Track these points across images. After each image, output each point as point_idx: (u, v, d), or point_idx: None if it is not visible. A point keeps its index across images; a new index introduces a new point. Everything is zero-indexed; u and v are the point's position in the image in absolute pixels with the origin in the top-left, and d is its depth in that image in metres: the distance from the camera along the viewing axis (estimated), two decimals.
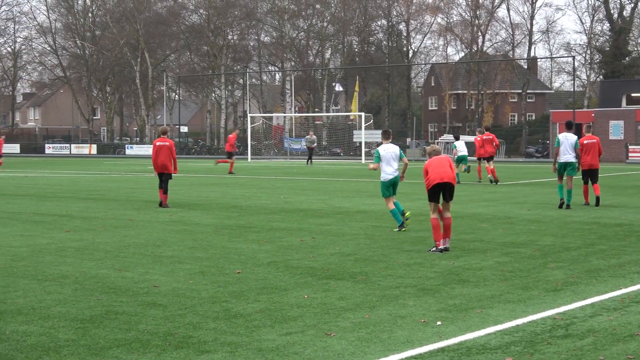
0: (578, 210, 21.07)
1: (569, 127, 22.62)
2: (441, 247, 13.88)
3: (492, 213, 20.35)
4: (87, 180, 35.94)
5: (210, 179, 36.88)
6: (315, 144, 57.54)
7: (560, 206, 21.55)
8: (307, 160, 54.09)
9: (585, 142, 22.44)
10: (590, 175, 22.48)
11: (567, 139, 21.88)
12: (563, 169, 21.78)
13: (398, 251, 14.06)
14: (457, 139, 35.68)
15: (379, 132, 49.04)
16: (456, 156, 33.74)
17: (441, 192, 13.97)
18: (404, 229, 16.75)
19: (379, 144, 17.44)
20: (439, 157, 14.30)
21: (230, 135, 46.24)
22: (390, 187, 16.94)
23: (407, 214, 17.15)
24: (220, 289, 10.82)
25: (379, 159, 16.98)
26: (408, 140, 78.94)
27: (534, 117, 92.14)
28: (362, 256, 13.53)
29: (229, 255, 13.73)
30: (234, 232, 16.75)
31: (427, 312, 9.50)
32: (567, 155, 21.79)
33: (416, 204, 22.91)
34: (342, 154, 74.48)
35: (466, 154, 34.81)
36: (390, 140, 17.24)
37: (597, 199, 22.26)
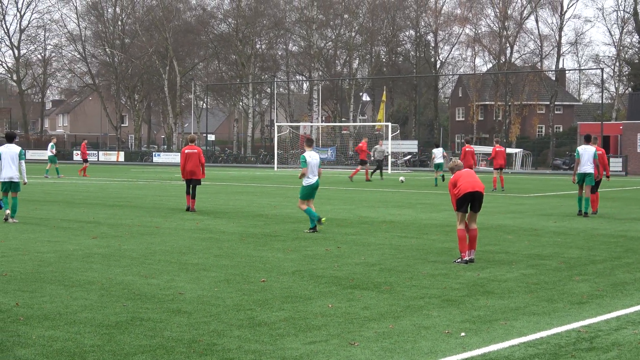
0: (605, 223, 20.97)
1: (588, 140, 23.50)
2: (466, 258, 13.86)
3: (518, 225, 20.29)
4: (115, 188, 36.15)
5: (236, 187, 36.98)
6: (386, 155, 49.94)
7: (579, 214, 22.85)
8: (378, 174, 45.95)
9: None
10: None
11: (586, 151, 22.97)
12: (582, 179, 22.85)
13: (423, 262, 14.05)
14: (436, 146, 39.75)
15: (406, 142, 48.70)
16: (434, 162, 38.41)
17: (470, 202, 13.93)
18: (316, 231, 18.14)
19: (303, 151, 18.70)
20: (467, 169, 14.32)
21: (360, 144, 42.13)
22: (311, 192, 18.60)
23: (323, 219, 18.51)
24: (245, 297, 10.86)
25: (305, 164, 18.41)
26: (434, 150, 78.80)
27: (561, 129, 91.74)
28: (387, 266, 13.54)
29: (254, 263, 13.78)
30: (260, 241, 16.80)
31: (451, 323, 9.50)
32: (586, 166, 22.86)
33: (442, 215, 22.90)
34: (368, 164, 74.37)
35: (442, 161, 39.19)
36: (313, 148, 18.81)
37: (585, 213, 23.01)
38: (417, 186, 38.44)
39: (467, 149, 34.55)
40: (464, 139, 37.24)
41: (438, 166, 39.35)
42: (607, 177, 25.32)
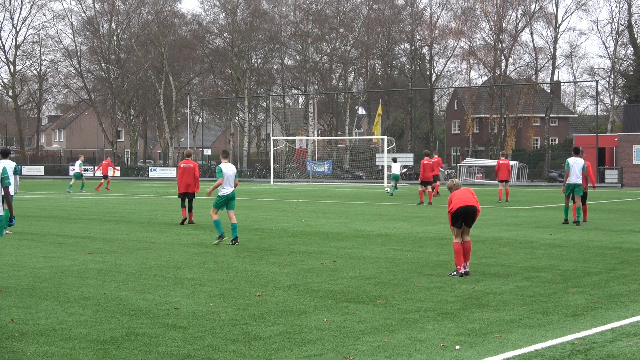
0: (600, 234, 21.01)
1: (577, 152, 24.72)
2: (462, 271, 13.88)
3: (513, 237, 20.31)
4: (110, 203, 36.14)
5: None
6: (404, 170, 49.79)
7: (565, 222, 24.19)
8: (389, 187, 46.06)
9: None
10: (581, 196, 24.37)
11: (576, 162, 24.14)
12: (572, 190, 24.02)
13: (418, 275, 14.06)
14: (394, 160, 44.45)
15: (400, 155, 48.82)
16: (391, 174, 43.27)
17: (464, 217, 13.96)
18: (221, 242, 18.79)
19: (218, 162, 19.44)
20: (463, 189, 14.39)
21: (435, 160, 38.83)
22: (226, 202, 18.93)
23: (224, 239, 18.99)
24: (240, 312, 10.87)
25: (221, 174, 18.84)
26: None
27: (557, 141, 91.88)
28: (382, 280, 13.55)
29: (249, 277, 13.78)
30: (255, 255, 16.80)
31: (446, 336, 9.51)
32: (575, 177, 24.06)
33: (437, 228, 22.92)
34: (364, 177, 74.49)
35: (398, 173, 44.84)
36: (229, 160, 19.45)
37: (577, 222, 24.08)
38: (412, 199, 38.45)
39: (425, 162, 35.31)
40: (424, 151, 38.01)
41: (395, 177, 44.58)
42: (593, 188, 26.21)
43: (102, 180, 50.97)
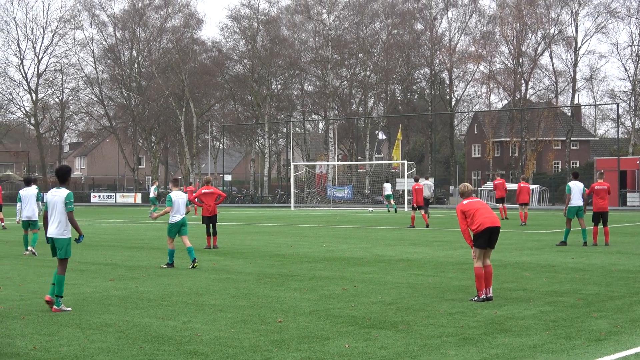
0: (623, 258, 20.87)
1: (576, 176, 26.08)
2: (483, 296, 13.80)
3: (535, 261, 20.22)
4: (132, 229, 36.25)
5: (253, 227, 37.03)
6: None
7: (562, 244, 25.04)
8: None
9: (596, 187, 25.30)
10: (602, 217, 24.98)
11: (576, 186, 25.29)
12: (575, 212, 25.02)
13: (440, 300, 14.01)
14: (387, 181, 53.90)
15: (429, 182, 48.65)
16: (384, 194, 52.89)
17: (489, 237, 13.86)
18: (172, 266, 19.45)
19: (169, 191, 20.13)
20: (480, 201, 14.27)
21: (497, 182, 42.18)
22: (177, 229, 19.71)
23: (196, 264, 19.44)
24: (262, 338, 10.86)
25: (170, 202, 19.63)
26: (451, 188, 78.79)
27: (578, 165, 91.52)
28: (404, 305, 13.51)
29: (270, 303, 13.77)
30: (276, 281, 16.80)
31: None
32: (577, 200, 25.13)
33: (459, 252, 22.85)
34: (384, 202, 74.33)
35: (391, 193, 53.30)
36: (179, 188, 20.28)
37: (606, 243, 24.94)
38: (433, 224, 38.37)
39: (416, 187, 36.53)
40: (414, 176, 39.47)
41: (388, 197, 53.11)
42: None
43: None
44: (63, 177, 13.48)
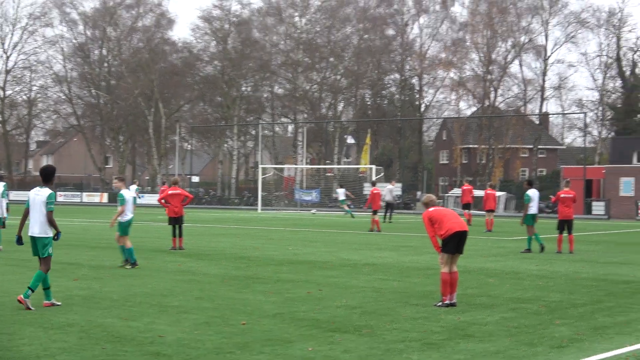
0: (586, 266, 21.04)
1: (531, 184, 26.70)
2: (447, 301, 13.86)
3: (500, 268, 20.33)
4: (98, 229, 36.04)
5: (219, 229, 36.94)
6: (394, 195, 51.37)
7: (527, 251, 25.30)
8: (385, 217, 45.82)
9: (562, 195, 25.47)
10: (567, 225, 25.22)
11: (535, 194, 25.97)
12: (533, 219, 25.65)
13: (404, 305, 14.05)
14: (340, 186, 55.79)
15: (387, 185, 49.43)
16: (338, 199, 55.47)
17: (457, 242, 13.90)
18: (131, 267, 19.26)
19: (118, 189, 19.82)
20: (446, 208, 14.34)
21: (465, 187, 42.63)
22: (130, 227, 19.70)
23: (127, 266, 19.39)
24: (225, 340, 10.83)
25: (124, 201, 19.62)
26: (419, 193, 78.99)
27: (545, 173, 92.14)
28: (368, 309, 13.53)
29: (235, 306, 13.74)
30: (241, 283, 16.76)
31: None
32: (536, 208, 25.95)
33: (424, 258, 22.93)
34: (352, 206, 74.40)
35: (344, 198, 54.93)
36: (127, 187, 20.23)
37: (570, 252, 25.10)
38: (399, 229, 38.47)
39: (374, 191, 37.77)
40: (372, 181, 40.35)
41: (342, 202, 55.42)
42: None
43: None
44: (47, 176, 13.59)
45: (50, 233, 13.58)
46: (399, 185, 71.80)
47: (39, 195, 13.52)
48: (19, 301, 13.17)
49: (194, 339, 10.86)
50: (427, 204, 14.33)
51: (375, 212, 36.74)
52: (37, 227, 13.50)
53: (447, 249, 13.87)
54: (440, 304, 13.92)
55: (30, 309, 13.09)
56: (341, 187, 56.53)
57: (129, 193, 19.91)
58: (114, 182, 20.01)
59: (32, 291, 13.27)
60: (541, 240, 25.45)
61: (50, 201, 13.43)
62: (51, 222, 13.47)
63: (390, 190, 47.28)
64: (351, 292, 15.55)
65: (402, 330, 11.65)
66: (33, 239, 13.60)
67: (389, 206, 46.72)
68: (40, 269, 13.47)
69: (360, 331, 11.59)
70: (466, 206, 41.59)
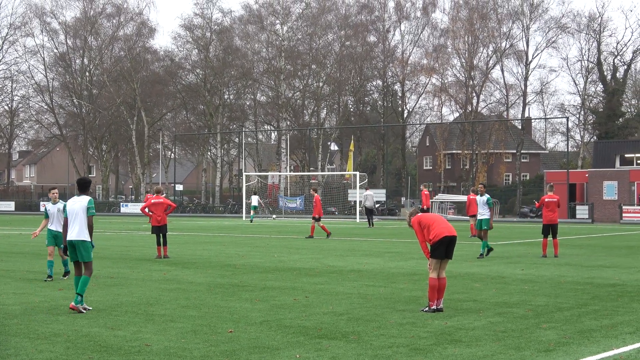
0: (571, 270, 21.09)
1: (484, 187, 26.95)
2: (434, 307, 13.86)
3: (485, 273, 20.36)
4: None
5: (204, 237, 36.87)
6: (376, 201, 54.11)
7: (482, 257, 24.92)
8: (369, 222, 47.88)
9: (546, 200, 25.41)
10: (552, 229, 25.18)
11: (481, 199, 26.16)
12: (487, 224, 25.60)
13: (391, 310, 14.05)
14: (255, 193, 58.09)
15: (365, 192, 50.28)
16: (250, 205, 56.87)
17: (446, 246, 13.92)
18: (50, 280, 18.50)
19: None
20: (435, 214, 14.41)
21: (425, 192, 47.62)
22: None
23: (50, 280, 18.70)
24: (212, 348, 10.80)
25: (47, 215, 18.75)
26: (403, 199, 79.11)
27: (528, 177, 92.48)
28: (355, 315, 13.52)
29: (221, 314, 13.71)
30: (227, 291, 16.73)
31: None
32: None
33: (410, 263, 22.93)
34: (336, 213, 74.51)
35: (256, 205, 57.10)
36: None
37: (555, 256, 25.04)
38: (385, 235, 38.49)
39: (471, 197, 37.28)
40: (312, 187, 41.11)
41: (254, 207, 57.85)
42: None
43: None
44: (84, 186, 14.45)
45: (90, 238, 14.16)
46: (383, 191, 71.95)
47: (77, 203, 14.19)
48: (72, 308, 13.70)
49: (181, 348, 10.83)
50: (413, 214, 14.43)
51: (316, 219, 36.67)
52: (78, 232, 14.06)
53: (435, 254, 13.88)
54: (427, 309, 13.92)
55: (88, 308, 13.87)
56: (255, 193, 60.67)
57: (53, 206, 18.70)
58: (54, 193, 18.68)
59: (81, 296, 13.83)
60: (486, 247, 25.22)
61: (90, 206, 14.17)
62: (91, 228, 14.16)
63: (369, 196, 48.63)
64: (338, 299, 15.54)
65: (390, 336, 11.65)
66: (73, 244, 14.07)
67: (370, 212, 47.83)
68: (85, 274, 14.05)
69: (348, 337, 11.58)
70: (425, 211, 42.82)
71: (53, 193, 18.84)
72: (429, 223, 14.00)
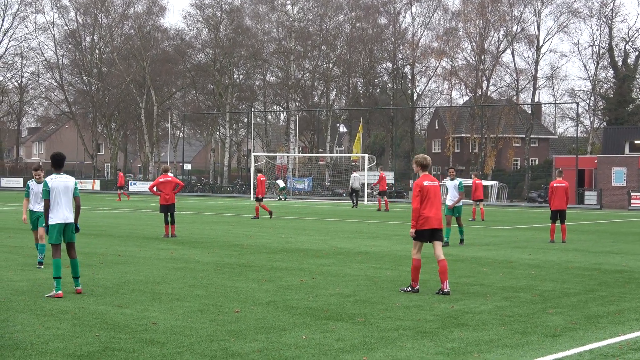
0: (579, 255, 21.06)
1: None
2: (418, 287, 13.95)
3: (492, 257, 20.34)
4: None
5: (212, 217, 36.91)
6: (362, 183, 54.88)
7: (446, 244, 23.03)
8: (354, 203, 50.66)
9: (555, 185, 25.25)
10: (560, 215, 25.08)
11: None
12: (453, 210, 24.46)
13: (398, 293, 14.04)
14: (259, 171, 49.24)
15: (354, 173, 51.28)
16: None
17: (431, 234, 13.96)
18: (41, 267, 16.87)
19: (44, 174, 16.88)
20: (437, 186, 14.31)
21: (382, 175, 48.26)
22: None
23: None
24: (219, 328, 10.81)
25: (28, 194, 17.43)
26: (411, 182, 78.97)
27: (537, 162, 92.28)
28: (362, 297, 13.52)
29: (228, 293, 13.72)
30: (234, 271, 16.74)
31: (425, 355, 9.49)
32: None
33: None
34: (344, 195, 74.46)
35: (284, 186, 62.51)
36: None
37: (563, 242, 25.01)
38: (392, 217, 38.48)
39: (261, 179, 37.49)
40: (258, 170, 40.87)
41: (283, 188, 62.45)
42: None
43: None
44: (61, 162, 13.67)
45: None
46: (391, 173, 71.81)
47: (63, 182, 13.57)
48: (78, 292, 13.46)
49: (188, 327, 10.84)
50: (423, 166, 14.30)
51: (258, 200, 36.64)
52: (69, 212, 13.65)
53: (419, 238, 13.98)
54: (409, 289, 14.03)
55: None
56: (277, 179, 63.62)
57: (38, 185, 17.21)
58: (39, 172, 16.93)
59: (78, 278, 13.70)
60: (449, 236, 23.55)
61: (77, 187, 13.89)
62: (78, 208, 13.83)
63: (356, 177, 50.93)
64: (344, 281, 15.54)
65: (396, 319, 11.65)
66: (63, 225, 13.60)
67: (355, 192, 50.58)
68: (74, 256, 13.78)
69: (354, 319, 11.59)
70: (382, 193, 46.25)
71: (38, 173, 17.30)
72: (428, 196, 13.95)
